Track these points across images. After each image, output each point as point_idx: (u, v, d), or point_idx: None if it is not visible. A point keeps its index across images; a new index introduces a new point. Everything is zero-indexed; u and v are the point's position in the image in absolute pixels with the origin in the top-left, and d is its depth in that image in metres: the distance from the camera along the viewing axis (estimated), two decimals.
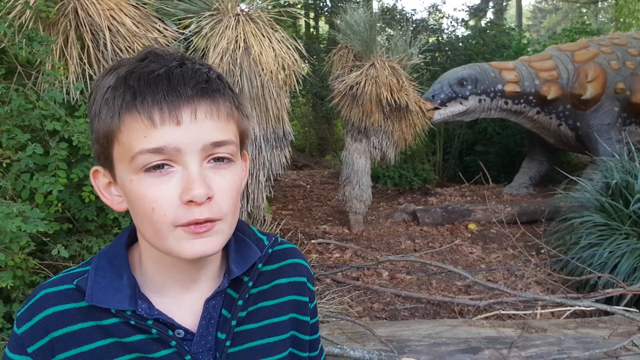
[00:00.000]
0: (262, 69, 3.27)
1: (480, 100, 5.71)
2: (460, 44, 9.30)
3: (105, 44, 2.77)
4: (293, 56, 3.47)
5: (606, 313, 2.94)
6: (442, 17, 12.32)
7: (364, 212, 5.35)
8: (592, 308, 3.00)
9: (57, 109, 2.24)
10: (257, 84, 3.30)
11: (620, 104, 5.66)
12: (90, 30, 2.77)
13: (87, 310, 0.66)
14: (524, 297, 3.12)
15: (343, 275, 4.02)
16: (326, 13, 11.25)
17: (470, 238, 5.02)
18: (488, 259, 4.47)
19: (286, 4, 3.94)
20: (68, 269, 0.72)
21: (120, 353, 0.66)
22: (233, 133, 0.66)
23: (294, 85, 3.51)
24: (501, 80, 5.70)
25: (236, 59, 3.25)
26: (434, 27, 11.20)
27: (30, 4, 2.51)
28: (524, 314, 3.06)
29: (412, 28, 9.29)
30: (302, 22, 11.63)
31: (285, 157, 3.63)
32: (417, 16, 11.73)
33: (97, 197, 2.31)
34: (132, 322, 0.66)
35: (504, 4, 16.12)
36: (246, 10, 3.46)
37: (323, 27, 12.95)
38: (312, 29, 12.56)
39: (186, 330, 0.69)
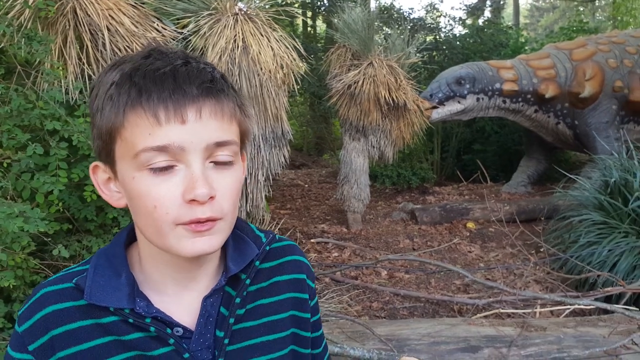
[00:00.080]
0: (261, 68, 3.27)
1: (478, 99, 5.72)
2: (458, 43, 9.31)
3: (104, 44, 2.76)
4: (291, 55, 3.47)
5: (605, 312, 2.95)
6: (439, 16, 12.34)
7: (362, 211, 5.36)
8: (591, 307, 3.01)
9: (57, 109, 2.23)
10: (255, 83, 3.30)
11: (618, 102, 5.68)
12: (89, 29, 2.76)
13: (86, 309, 0.67)
14: (523, 296, 3.13)
15: (342, 274, 4.03)
16: (323, 12, 11.24)
17: (469, 237, 5.03)
18: (487, 257, 4.48)
19: (284, 3, 3.93)
20: (68, 268, 0.73)
21: (119, 351, 0.66)
22: (235, 133, 0.66)
23: (293, 85, 3.51)
24: (499, 79, 5.71)
25: (235, 58, 3.25)
26: (432, 25, 11.21)
27: (29, 3, 2.50)
28: (524, 313, 3.07)
29: (409, 27, 9.28)
30: (299, 21, 11.63)
31: (284, 156, 3.63)
32: (415, 15, 11.76)
33: (98, 197, 2.31)
34: (131, 320, 0.66)
35: (502, 2, 16.14)
36: (244, 9, 3.46)
37: (320, 26, 12.94)
38: (309, 28, 12.56)
39: (185, 328, 0.69)
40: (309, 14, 11.56)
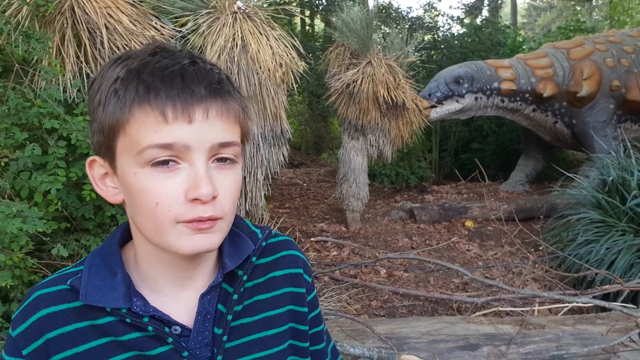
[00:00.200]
0: (260, 67, 3.26)
1: (476, 98, 5.73)
2: (456, 42, 9.32)
3: (102, 42, 2.76)
4: (290, 54, 3.47)
5: (603, 309, 2.95)
6: (437, 15, 12.35)
7: (361, 210, 5.36)
8: (589, 304, 3.01)
9: (55, 107, 2.23)
10: (254, 81, 3.30)
11: (615, 101, 5.69)
12: (87, 28, 2.76)
13: (82, 310, 0.66)
14: (522, 294, 3.14)
15: (341, 273, 4.03)
16: (322, 11, 11.23)
17: (467, 235, 5.04)
18: (485, 256, 4.49)
19: (282, 2, 3.93)
20: (62, 270, 0.72)
21: (116, 352, 0.66)
22: (238, 134, 0.67)
23: (292, 83, 3.51)
24: (497, 78, 5.71)
25: (234, 56, 3.25)
26: (430, 25, 11.23)
27: (27, 1, 2.49)
28: (522, 311, 3.07)
29: (407, 26, 9.30)
30: (297, 20, 11.62)
31: (283, 155, 3.63)
32: (413, 14, 11.77)
33: (96, 196, 2.30)
34: (128, 320, 0.65)
35: (499, 1, 16.16)
36: (243, 8, 3.45)
37: (318, 25, 12.94)
38: (307, 27, 12.55)
39: (183, 327, 0.68)
40: (307, 12, 11.55)
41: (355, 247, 4.63)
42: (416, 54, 5.48)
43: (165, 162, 0.61)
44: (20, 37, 2.36)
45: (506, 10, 21.01)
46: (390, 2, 11.46)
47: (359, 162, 5.11)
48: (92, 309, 0.65)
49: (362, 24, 4.80)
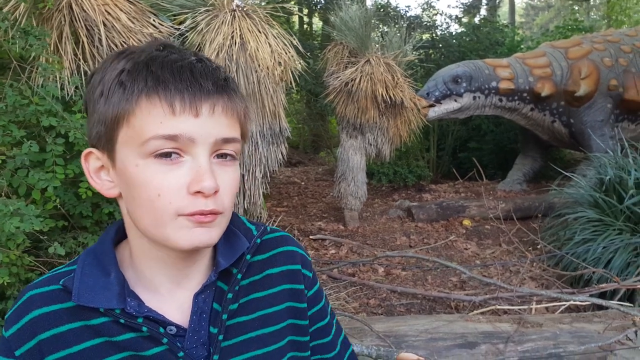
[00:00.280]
0: (259, 65, 3.26)
1: (474, 98, 5.73)
2: (454, 41, 9.33)
3: (100, 40, 2.74)
4: (289, 52, 3.46)
5: (600, 308, 2.96)
6: (436, 14, 12.36)
7: (359, 208, 5.36)
8: (586, 303, 3.02)
9: (53, 105, 2.22)
10: (253, 79, 3.29)
11: (613, 100, 5.70)
12: (85, 25, 2.75)
13: (75, 311, 0.65)
14: (520, 292, 3.14)
15: (339, 271, 4.03)
16: (320, 9, 11.23)
17: (465, 234, 5.05)
18: (483, 254, 4.50)
19: (281, 0, 3.92)
20: (55, 269, 0.71)
21: (110, 352, 0.65)
22: (239, 132, 0.68)
23: (290, 82, 3.51)
24: (495, 77, 5.72)
25: (232, 54, 3.24)
26: (428, 23, 11.23)
27: None
28: (520, 309, 3.08)
29: (406, 25, 9.29)
30: (295, 18, 11.61)
31: (282, 153, 3.63)
32: (411, 13, 11.77)
33: (94, 193, 2.30)
34: (122, 321, 0.65)
35: (497, 1, 16.17)
36: (242, 5, 3.45)
37: (317, 23, 12.93)
38: (305, 26, 12.54)
39: (178, 327, 0.68)
40: (305, 11, 11.54)
41: (353, 246, 4.63)
42: (414, 52, 5.49)
43: (168, 154, 0.61)
44: (18, 33, 2.34)
45: (504, 9, 21.04)
46: (388, 1, 11.47)
47: (357, 161, 5.11)
48: (86, 310, 0.65)
49: (361, 22, 4.80)
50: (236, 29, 3.28)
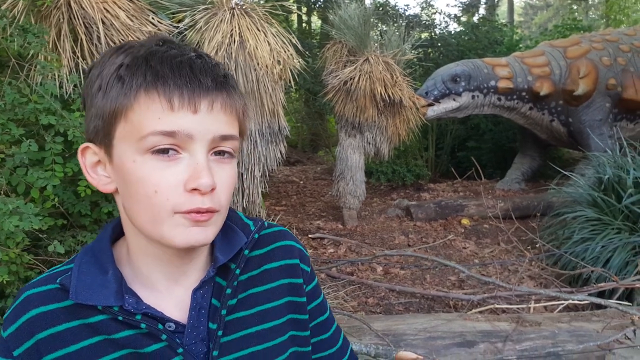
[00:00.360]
0: (258, 63, 3.25)
1: (473, 97, 5.74)
2: (453, 40, 9.32)
3: (98, 37, 2.74)
4: (288, 50, 3.46)
5: (599, 307, 2.97)
6: (434, 13, 12.36)
7: (357, 207, 5.36)
8: (585, 302, 3.03)
9: (52, 103, 2.21)
10: (252, 78, 3.29)
11: (611, 99, 5.71)
12: (84, 23, 2.74)
13: (73, 309, 0.65)
14: (519, 291, 3.15)
15: (338, 270, 4.03)
16: (319, 8, 11.22)
17: (464, 233, 5.05)
18: (481, 253, 4.50)
19: None
20: (52, 268, 0.71)
21: (109, 350, 0.65)
22: (237, 130, 0.67)
23: (289, 80, 3.50)
24: (494, 76, 5.72)
25: (231, 53, 3.24)
26: (427, 22, 11.23)
27: None
28: (518, 308, 3.08)
29: (404, 24, 9.29)
30: (294, 17, 11.60)
31: (281, 152, 3.63)
32: (410, 11, 11.76)
33: (93, 192, 2.29)
34: (120, 318, 0.64)
35: (496, 0, 16.17)
36: (241, 4, 3.44)
37: (315, 22, 12.92)
38: (304, 24, 12.53)
39: (177, 323, 0.67)
40: (304, 9, 11.53)
41: (352, 245, 4.63)
42: (413, 51, 5.48)
43: (166, 151, 0.61)
44: (16, 31, 2.34)
45: (503, 8, 21.04)
46: (387, 0, 11.46)
47: (355, 160, 5.11)
48: (83, 308, 0.65)
49: (360, 21, 4.79)
50: (235, 27, 3.28)
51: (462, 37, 9.35)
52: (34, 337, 0.64)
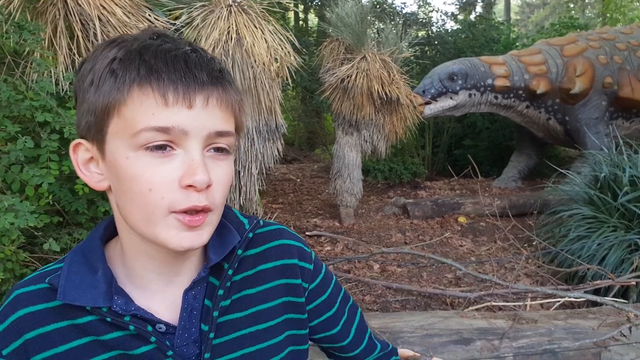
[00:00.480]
0: (255, 61, 3.25)
1: (470, 95, 5.74)
2: (450, 38, 9.33)
3: (95, 34, 2.72)
4: (285, 48, 3.45)
5: (595, 304, 2.98)
6: (431, 11, 12.35)
7: (354, 205, 5.36)
8: (581, 299, 3.04)
9: (48, 100, 2.20)
10: (249, 75, 3.28)
11: (607, 98, 5.73)
12: (80, 19, 2.72)
13: (61, 309, 0.64)
14: (516, 289, 3.15)
15: (334, 267, 4.03)
16: (316, 6, 11.20)
17: (460, 231, 5.06)
18: (478, 251, 4.51)
19: None
20: (43, 267, 0.70)
21: (98, 352, 0.64)
22: (233, 126, 0.66)
23: (286, 78, 3.50)
24: (491, 74, 5.73)
25: (228, 50, 3.23)
26: (424, 20, 11.22)
27: None
28: (515, 306, 3.09)
29: (401, 21, 9.30)
30: (291, 14, 11.58)
31: (278, 149, 3.62)
32: (407, 9, 11.76)
33: (89, 190, 2.28)
34: (109, 319, 0.63)
35: None
36: (238, 1, 3.43)
37: (312, 20, 12.91)
38: (301, 22, 12.51)
39: (167, 325, 0.66)
40: (301, 7, 11.51)
41: (348, 242, 4.63)
42: (410, 49, 5.49)
43: (160, 147, 0.59)
44: (12, 28, 2.32)
45: (500, 6, 21.05)
46: None
47: (352, 158, 5.11)
48: (72, 308, 0.63)
49: (357, 18, 4.79)
50: (232, 24, 3.27)
51: (459, 35, 9.36)
52: (22, 337, 0.63)
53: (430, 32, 10.33)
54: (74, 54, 2.73)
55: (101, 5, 2.72)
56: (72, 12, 2.70)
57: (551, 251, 3.94)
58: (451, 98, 5.70)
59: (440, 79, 5.65)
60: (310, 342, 0.84)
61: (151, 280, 0.68)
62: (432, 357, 0.96)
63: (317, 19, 11.56)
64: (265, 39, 3.32)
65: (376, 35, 5.52)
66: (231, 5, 3.35)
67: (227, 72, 0.66)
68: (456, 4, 14.59)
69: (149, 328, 0.65)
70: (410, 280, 3.88)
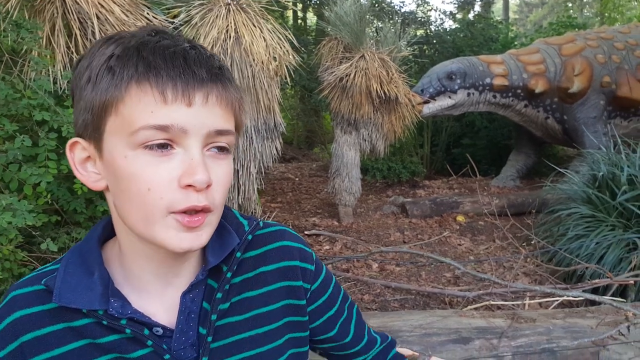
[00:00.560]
0: (253, 59, 3.24)
1: (468, 94, 5.74)
2: (449, 37, 9.33)
3: (93, 32, 2.71)
4: (284, 47, 3.45)
5: (593, 303, 2.98)
6: (430, 10, 12.35)
7: (353, 204, 5.36)
8: (580, 298, 3.04)
9: (46, 99, 2.19)
10: (248, 74, 3.27)
11: (605, 97, 5.73)
12: (78, 18, 2.71)
13: (57, 312, 0.63)
14: (514, 288, 3.16)
15: (333, 267, 4.03)
16: (314, 4, 11.19)
17: (459, 230, 5.06)
18: (477, 250, 4.51)
19: None
20: (40, 268, 0.69)
21: (95, 354, 0.63)
22: (233, 124, 0.64)
23: (285, 76, 3.49)
24: (489, 74, 5.73)
25: (227, 48, 3.22)
26: (422, 19, 11.22)
27: None
28: (513, 305, 3.09)
29: (400, 20, 9.30)
30: (289, 13, 11.57)
31: (276, 148, 3.62)
32: (406, 8, 11.75)
33: (88, 189, 2.28)
34: (105, 322, 0.62)
35: None
36: None
37: (311, 18, 12.90)
38: (299, 21, 12.50)
39: (165, 328, 0.65)
40: (300, 6, 11.50)
41: (347, 241, 4.63)
42: (409, 48, 5.49)
43: (159, 146, 0.58)
44: (10, 26, 2.31)
45: (498, 5, 21.06)
46: None
47: (351, 157, 5.11)
48: (68, 311, 0.62)
49: (355, 17, 4.78)
50: (231, 22, 3.26)
51: (458, 34, 9.36)
52: (18, 339, 0.62)
53: (428, 31, 10.33)
54: (72, 53, 2.72)
55: (99, 3, 2.71)
56: (70, 11, 2.69)
57: (550, 250, 3.94)
58: (450, 97, 5.70)
59: (439, 78, 5.65)
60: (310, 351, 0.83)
61: (149, 282, 0.67)
62: (430, 356, 0.96)
63: (315, 18, 11.56)
64: (263, 37, 3.31)
65: (375, 34, 5.52)
66: (230, 4, 3.34)
67: (227, 69, 0.64)
68: (455, 3, 14.60)
69: (146, 332, 0.64)
70: (409, 279, 3.88)
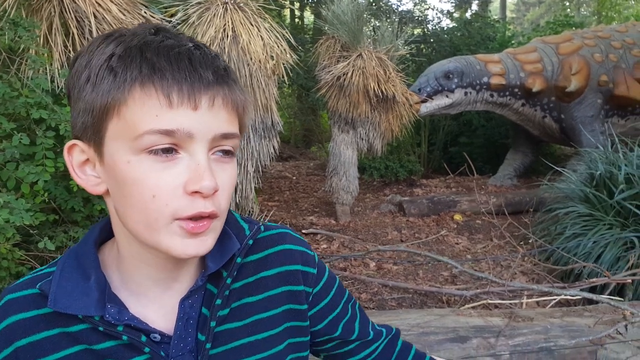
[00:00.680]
0: (251, 58, 3.24)
1: (466, 93, 5.75)
2: (446, 36, 9.34)
3: (90, 31, 2.71)
4: (281, 45, 3.45)
5: (591, 302, 2.99)
6: (427, 9, 12.36)
7: (350, 203, 5.36)
8: (577, 297, 3.05)
9: (43, 97, 2.19)
10: (245, 73, 3.27)
11: (603, 96, 5.75)
12: (75, 16, 2.71)
13: (52, 317, 0.61)
14: (512, 287, 3.16)
15: (331, 265, 4.03)
16: (311, 3, 11.18)
17: (456, 229, 5.07)
18: (474, 249, 4.52)
19: None
20: (36, 270, 0.67)
21: None
22: (237, 127, 0.63)
23: (283, 75, 3.49)
24: (487, 73, 5.74)
25: (224, 47, 3.22)
26: (420, 18, 11.23)
27: None
28: (511, 304, 3.10)
29: (397, 19, 9.29)
30: (287, 12, 11.56)
31: (274, 147, 3.61)
32: (403, 7, 11.76)
33: None
34: (101, 329, 0.61)
35: None
36: None
37: (308, 17, 12.88)
38: (297, 19, 12.49)
39: (162, 334, 0.64)
40: (297, 4, 11.49)
41: (345, 240, 4.63)
42: (406, 47, 5.48)
43: (164, 150, 0.56)
44: (7, 25, 2.31)
45: (495, 4, 21.09)
46: None
47: (349, 155, 5.11)
48: (64, 316, 0.61)
49: (353, 16, 4.78)
50: (228, 21, 3.25)
51: (455, 33, 9.36)
52: (12, 344, 0.61)
53: (426, 30, 10.34)
54: (70, 51, 2.71)
55: (96, 2, 2.70)
56: (67, 9, 2.68)
57: (547, 249, 3.95)
58: (447, 96, 5.70)
59: (436, 77, 5.66)
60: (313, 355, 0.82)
61: (148, 286, 0.66)
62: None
63: (313, 17, 11.55)
64: (261, 36, 3.31)
65: (372, 33, 5.51)
66: (227, 3, 3.33)
67: (232, 70, 0.63)
68: (452, 2, 14.62)
69: (143, 338, 0.62)
70: (407, 278, 3.89)
